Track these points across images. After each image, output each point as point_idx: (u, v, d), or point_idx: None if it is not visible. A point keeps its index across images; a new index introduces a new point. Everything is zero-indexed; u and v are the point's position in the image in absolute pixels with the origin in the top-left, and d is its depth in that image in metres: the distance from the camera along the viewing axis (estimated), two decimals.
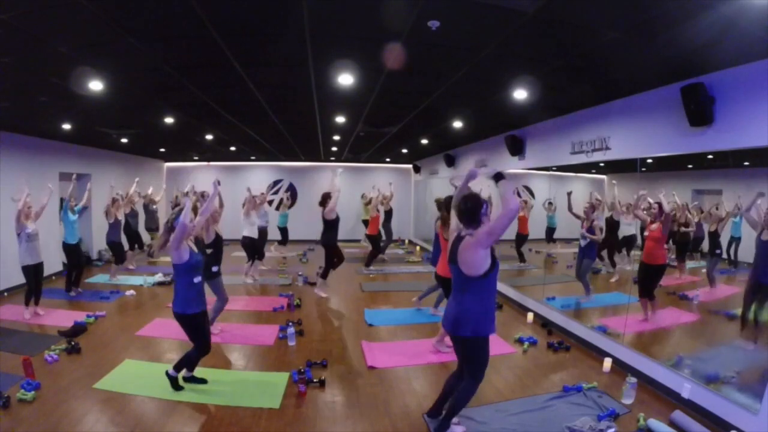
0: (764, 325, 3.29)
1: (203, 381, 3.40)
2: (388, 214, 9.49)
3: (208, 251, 4.14)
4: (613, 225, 5.70)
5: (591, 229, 5.01)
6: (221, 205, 4.73)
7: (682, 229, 4.35)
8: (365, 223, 9.71)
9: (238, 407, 3.08)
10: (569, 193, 5.43)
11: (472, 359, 2.59)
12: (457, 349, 2.65)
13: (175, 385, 3.27)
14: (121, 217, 7.14)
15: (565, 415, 3.01)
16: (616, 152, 4.05)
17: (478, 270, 2.38)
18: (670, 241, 4.46)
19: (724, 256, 4.09)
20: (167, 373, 3.28)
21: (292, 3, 2.25)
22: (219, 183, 3.56)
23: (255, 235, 6.89)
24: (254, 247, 6.97)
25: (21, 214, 4.75)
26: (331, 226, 5.95)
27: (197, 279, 3.18)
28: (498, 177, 2.39)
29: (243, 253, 7.25)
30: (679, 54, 2.71)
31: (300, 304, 5.69)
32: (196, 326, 3.21)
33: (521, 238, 6.87)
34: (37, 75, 3.40)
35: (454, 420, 2.78)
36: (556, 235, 6.74)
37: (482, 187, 2.59)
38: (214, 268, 4.19)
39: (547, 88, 3.76)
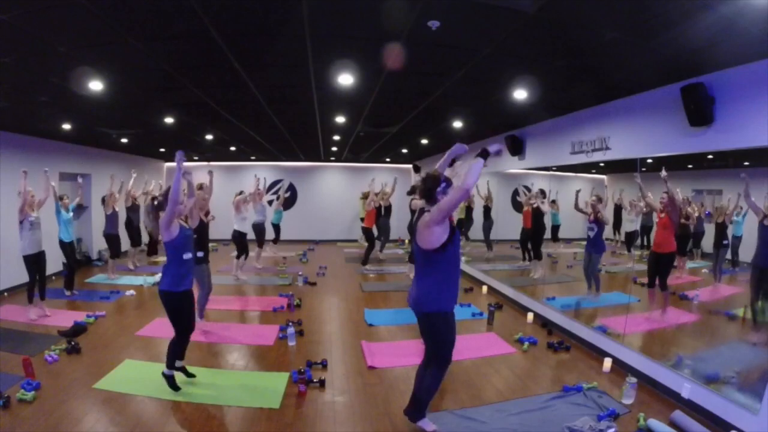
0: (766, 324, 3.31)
1: (192, 376, 3.39)
2: (387, 210, 9.46)
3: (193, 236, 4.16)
4: (538, 216, 6.18)
5: (596, 220, 4.99)
6: (209, 192, 4.72)
7: (683, 221, 4.36)
8: (363, 221, 9.71)
9: (238, 407, 3.08)
10: (578, 192, 5.45)
11: (436, 337, 2.62)
12: (422, 329, 2.67)
13: (173, 385, 3.25)
14: (118, 208, 7.15)
15: (565, 415, 3.01)
16: (616, 152, 4.05)
17: (435, 243, 2.46)
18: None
19: (728, 256, 4.11)
20: (163, 374, 3.27)
21: (292, 3, 2.25)
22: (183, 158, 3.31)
23: (244, 229, 6.90)
24: (243, 243, 6.96)
25: (24, 203, 4.72)
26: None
27: (187, 255, 3.20)
28: (484, 154, 2.41)
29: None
30: (679, 54, 2.71)
31: (300, 304, 5.69)
32: (182, 306, 3.20)
33: (525, 234, 6.88)
34: (37, 75, 3.40)
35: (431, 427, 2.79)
36: (560, 234, 6.77)
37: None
38: (199, 254, 4.19)
39: (547, 88, 3.76)
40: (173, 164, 12.43)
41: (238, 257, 7.09)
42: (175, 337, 3.27)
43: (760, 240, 3.42)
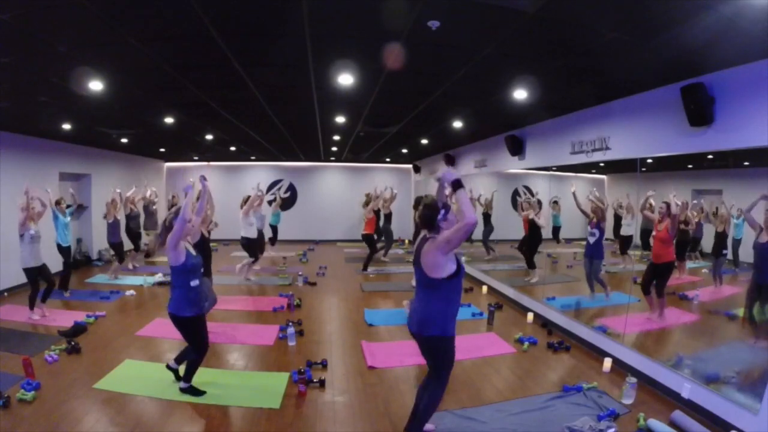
0: (764, 325, 3.31)
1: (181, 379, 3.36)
2: (388, 216, 9.45)
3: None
4: (534, 226, 6.20)
5: (599, 225, 4.99)
6: (211, 206, 4.72)
7: (682, 227, 4.37)
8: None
9: (238, 407, 3.09)
10: (574, 192, 5.43)
11: (438, 359, 2.60)
12: (423, 351, 2.65)
13: (197, 392, 3.23)
14: (120, 216, 7.14)
15: (565, 415, 3.01)
16: (616, 152, 4.05)
17: (441, 273, 2.41)
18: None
19: (729, 256, 4.11)
20: (181, 389, 3.23)
21: (292, 3, 2.25)
22: (205, 178, 3.52)
23: (253, 235, 6.90)
24: (252, 248, 6.99)
25: (26, 218, 4.72)
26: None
27: (195, 282, 3.09)
28: (456, 185, 2.36)
29: (241, 253, 7.26)
30: (679, 54, 2.71)
31: (300, 304, 5.69)
32: (192, 329, 3.15)
33: (524, 242, 6.89)
34: (37, 75, 3.40)
35: (428, 426, 2.80)
36: (561, 234, 6.77)
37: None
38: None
39: (547, 88, 3.76)
40: (174, 164, 12.46)
41: (254, 259, 7.11)
42: (194, 353, 3.23)
43: (756, 257, 3.42)
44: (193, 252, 3.21)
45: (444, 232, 2.41)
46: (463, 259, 8.12)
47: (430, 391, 2.64)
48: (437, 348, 2.55)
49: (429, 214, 2.47)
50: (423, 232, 2.58)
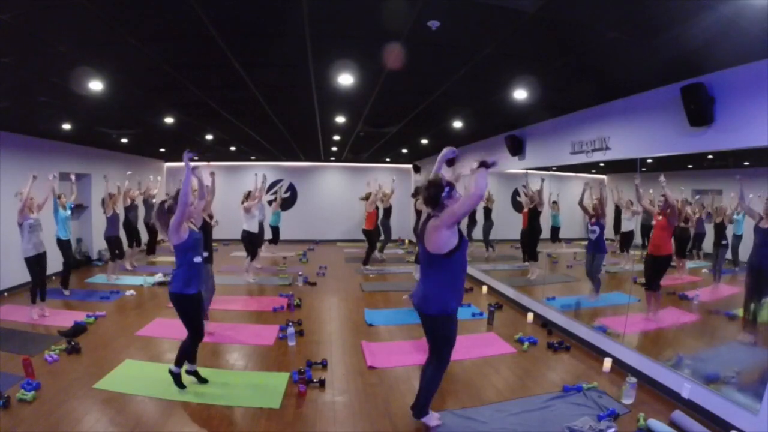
0: (765, 324, 3.31)
1: (205, 381, 3.40)
2: (387, 211, 9.44)
3: None
4: (533, 217, 6.11)
5: (599, 222, 5.00)
6: (212, 193, 4.70)
7: (682, 224, 4.37)
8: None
9: (238, 407, 3.09)
10: (587, 183, 5.35)
11: (439, 336, 2.66)
12: (426, 328, 2.71)
13: (179, 383, 3.25)
14: (119, 210, 7.12)
15: (565, 415, 3.01)
16: (616, 152, 4.05)
17: (443, 249, 2.48)
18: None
19: (729, 256, 4.11)
20: (170, 371, 3.26)
21: (292, 3, 2.25)
22: (192, 158, 3.25)
23: (254, 229, 6.88)
24: (252, 243, 6.96)
25: (24, 206, 4.72)
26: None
27: (197, 259, 3.18)
28: (484, 165, 2.38)
29: (242, 253, 7.24)
30: (679, 54, 2.71)
31: (300, 304, 5.69)
32: (193, 308, 3.18)
33: (523, 234, 6.88)
34: (37, 75, 3.40)
35: (435, 420, 2.84)
36: (560, 234, 6.77)
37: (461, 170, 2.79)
38: (204, 254, 4.21)
39: (547, 88, 3.76)
40: (174, 164, 12.47)
41: (250, 257, 7.10)
42: (187, 338, 3.25)
43: (756, 242, 3.43)
44: (195, 229, 3.29)
45: (448, 208, 2.46)
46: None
47: (432, 370, 2.71)
48: (438, 325, 2.62)
49: (434, 192, 2.51)
50: (427, 211, 2.62)
